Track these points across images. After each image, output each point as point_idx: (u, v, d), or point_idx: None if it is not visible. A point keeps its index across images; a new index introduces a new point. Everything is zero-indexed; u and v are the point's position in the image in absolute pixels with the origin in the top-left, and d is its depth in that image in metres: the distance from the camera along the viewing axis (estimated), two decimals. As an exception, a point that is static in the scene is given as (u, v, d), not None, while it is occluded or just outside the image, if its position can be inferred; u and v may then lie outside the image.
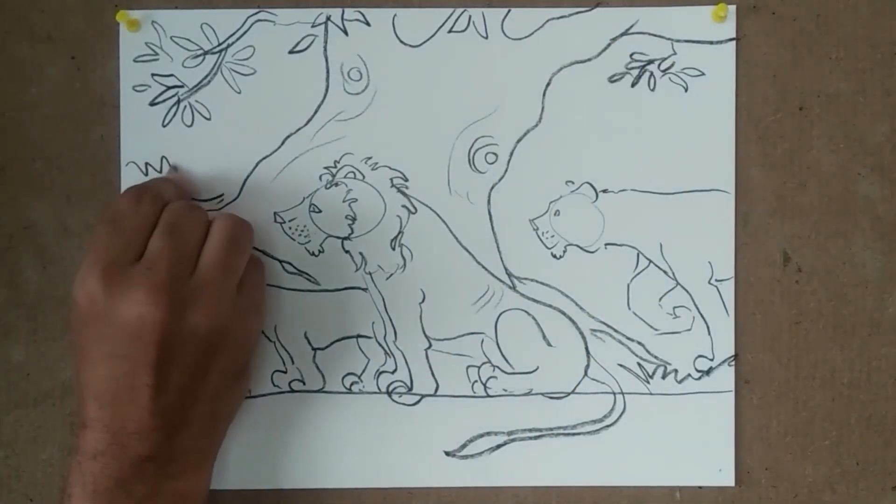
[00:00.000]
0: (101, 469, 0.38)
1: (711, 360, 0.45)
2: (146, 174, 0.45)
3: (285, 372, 0.45)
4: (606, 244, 0.45)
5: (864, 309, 0.46)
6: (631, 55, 0.45)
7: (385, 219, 0.45)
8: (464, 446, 0.45)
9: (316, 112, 0.45)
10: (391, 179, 0.45)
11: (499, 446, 0.45)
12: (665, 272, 0.45)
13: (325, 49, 0.45)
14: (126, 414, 0.38)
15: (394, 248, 0.45)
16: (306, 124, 0.45)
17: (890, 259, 0.46)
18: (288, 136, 0.45)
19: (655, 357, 0.45)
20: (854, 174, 0.45)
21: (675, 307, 0.45)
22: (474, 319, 0.45)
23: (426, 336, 0.45)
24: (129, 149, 0.45)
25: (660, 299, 0.45)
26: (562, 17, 0.45)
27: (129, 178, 0.45)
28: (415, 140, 0.45)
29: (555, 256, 0.45)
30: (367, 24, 0.45)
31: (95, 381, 0.38)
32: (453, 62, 0.45)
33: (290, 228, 0.45)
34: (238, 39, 0.45)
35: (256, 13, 0.45)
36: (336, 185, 0.45)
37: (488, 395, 0.45)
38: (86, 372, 0.39)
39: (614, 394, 0.45)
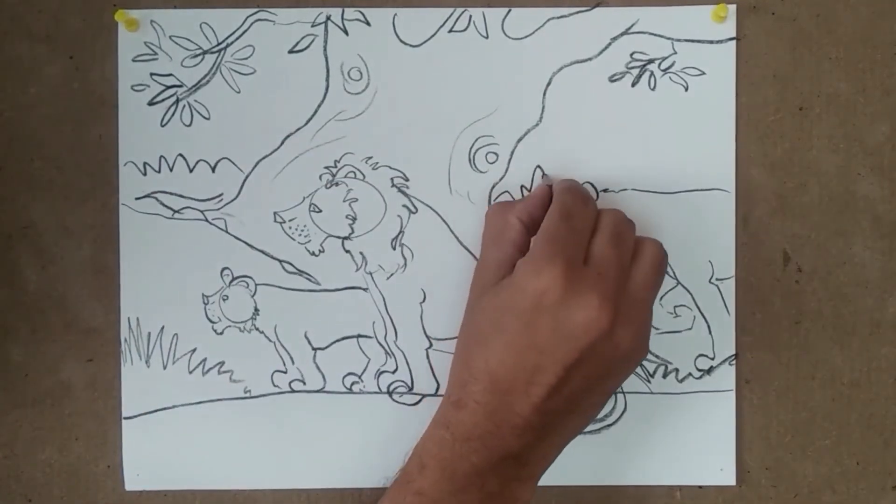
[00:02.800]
0: (468, 453, 0.38)
1: (712, 359, 0.45)
2: (145, 174, 0.45)
3: (285, 372, 0.45)
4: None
5: (864, 309, 0.46)
6: (631, 55, 0.45)
7: (385, 218, 0.45)
8: (464, 446, 0.45)
9: (316, 112, 0.45)
10: (392, 179, 0.45)
11: (499, 446, 0.45)
12: (666, 272, 0.45)
13: (325, 49, 0.45)
14: (515, 407, 0.38)
15: (394, 248, 0.45)
16: (306, 124, 0.45)
17: (890, 259, 0.46)
18: (288, 136, 0.45)
19: (656, 356, 0.45)
20: (854, 174, 0.46)
21: (675, 306, 0.45)
22: (475, 319, 0.45)
23: (427, 336, 0.45)
24: (128, 148, 0.45)
25: (660, 298, 0.45)
26: (562, 16, 0.45)
27: (128, 177, 0.45)
28: (415, 140, 0.45)
29: (555, 256, 0.45)
30: (367, 23, 0.45)
31: (497, 366, 0.38)
32: (453, 62, 0.45)
33: (290, 228, 0.45)
34: (237, 39, 0.45)
35: (256, 13, 0.45)
36: (336, 184, 0.45)
37: (489, 395, 0.45)
38: (489, 353, 0.38)
39: (615, 393, 0.45)
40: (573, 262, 0.38)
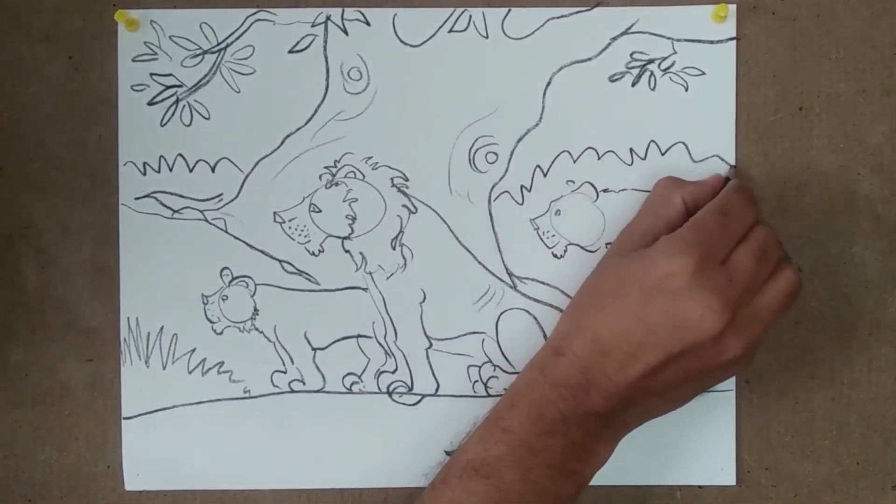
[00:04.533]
0: (557, 399, 0.39)
1: (712, 359, 0.45)
2: (144, 174, 0.45)
3: (285, 372, 0.45)
4: (607, 243, 0.45)
5: (864, 309, 0.46)
6: (631, 55, 0.45)
7: (385, 218, 0.45)
8: (464, 446, 0.45)
9: (316, 112, 0.45)
10: (391, 179, 0.45)
11: (499, 446, 0.45)
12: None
13: (325, 49, 0.45)
14: (609, 371, 0.39)
15: (394, 248, 0.45)
16: (306, 124, 0.45)
17: (890, 259, 0.46)
18: (288, 136, 0.45)
19: (656, 357, 0.45)
20: (854, 174, 0.46)
21: (675, 307, 0.45)
22: (475, 319, 0.45)
23: (427, 336, 0.45)
24: (128, 148, 0.45)
25: (660, 299, 0.45)
26: (562, 16, 0.45)
27: (128, 177, 0.45)
28: (415, 140, 0.45)
29: (555, 256, 0.45)
30: (367, 23, 0.45)
31: (604, 328, 0.39)
32: (453, 62, 0.45)
33: (290, 228, 0.45)
34: (237, 39, 0.45)
35: (256, 13, 0.45)
36: (336, 184, 0.45)
37: (489, 395, 0.45)
38: (601, 314, 0.40)
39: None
40: (711, 258, 0.39)
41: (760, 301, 0.40)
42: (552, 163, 0.45)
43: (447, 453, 0.45)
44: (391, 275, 0.45)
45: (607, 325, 0.39)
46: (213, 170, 0.45)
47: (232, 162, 0.45)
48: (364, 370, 0.45)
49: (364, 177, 0.45)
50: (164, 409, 0.45)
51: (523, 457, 0.39)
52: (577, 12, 0.45)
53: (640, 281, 0.39)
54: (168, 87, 0.45)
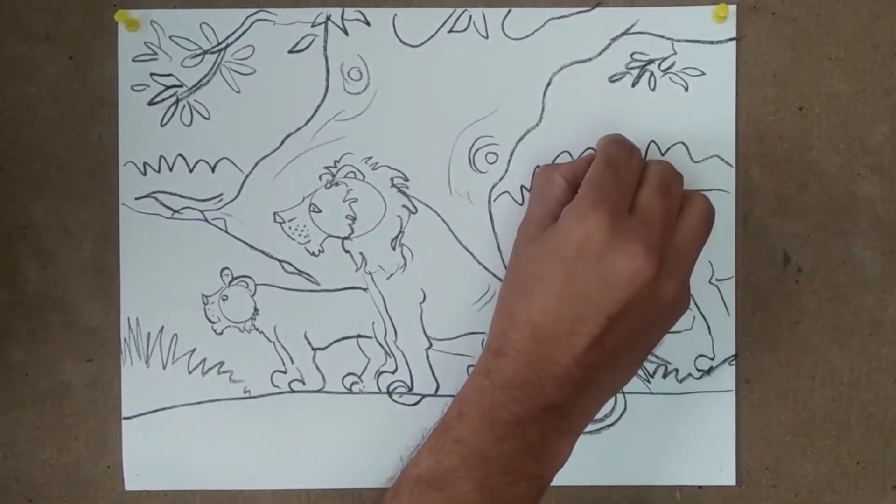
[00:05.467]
0: (508, 402, 0.38)
1: (712, 359, 0.45)
2: (144, 174, 0.45)
3: (285, 372, 0.45)
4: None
5: (864, 309, 0.46)
6: (631, 55, 0.45)
7: (385, 218, 0.45)
8: (464, 446, 0.45)
9: (316, 112, 0.45)
10: (391, 179, 0.45)
11: (499, 446, 0.45)
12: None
13: (325, 49, 0.45)
14: (555, 356, 0.37)
15: (394, 248, 0.45)
16: (306, 124, 0.45)
17: (890, 259, 0.46)
18: (288, 136, 0.45)
19: (656, 356, 0.45)
20: (854, 174, 0.46)
21: (675, 307, 0.45)
22: (475, 319, 0.45)
23: (427, 336, 0.45)
24: (128, 148, 0.45)
25: (660, 299, 0.45)
26: (562, 16, 0.45)
27: (128, 177, 0.45)
28: (415, 140, 0.45)
29: (555, 256, 0.45)
30: (367, 23, 0.45)
31: (539, 314, 0.38)
32: (453, 62, 0.45)
33: (289, 228, 0.45)
34: (237, 39, 0.45)
35: (256, 13, 0.45)
36: (336, 184, 0.45)
37: (489, 396, 0.45)
38: (531, 302, 0.38)
39: (618, 393, 0.45)
40: (618, 209, 0.38)
41: (679, 236, 0.39)
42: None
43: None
44: (391, 275, 0.45)
45: (541, 311, 0.38)
46: (213, 170, 0.45)
47: (232, 162, 0.45)
48: (364, 370, 0.45)
49: (364, 177, 0.45)
50: (164, 409, 0.45)
51: (478, 465, 0.37)
52: (577, 12, 0.45)
53: (559, 256, 0.38)
54: (168, 87, 0.45)
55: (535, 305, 0.38)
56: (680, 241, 0.39)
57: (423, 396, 0.45)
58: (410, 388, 0.45)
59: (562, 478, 0.45)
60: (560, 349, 0.37)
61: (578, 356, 0.37)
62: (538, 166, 0.45)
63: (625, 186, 0.39)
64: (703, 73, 0.45)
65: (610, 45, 0.45)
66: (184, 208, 0.45)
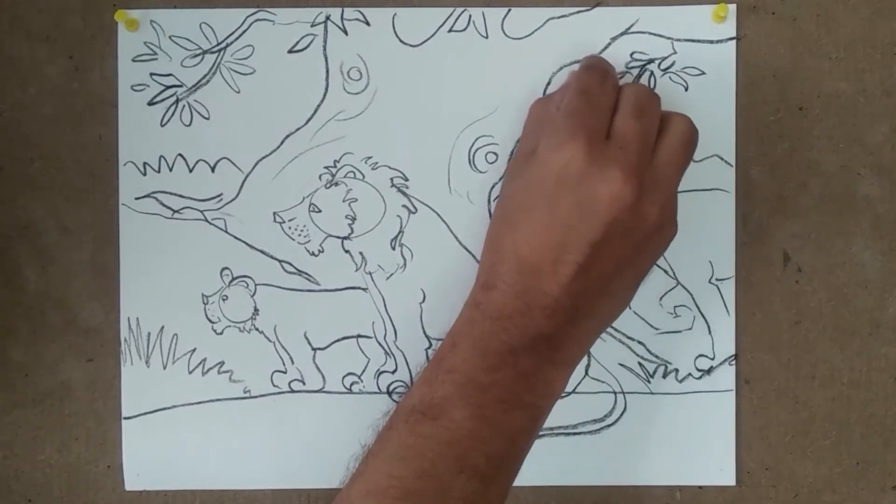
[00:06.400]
0: (499, 332, 0.38)
1: (712, 359, 0.45)
2: (144, 174, 0.45)
3: (285, 372, 0.45)
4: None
5: (864, 309, 0.46)
6: (631, 55, 0.45)
7: (385, 218, 0.45)
8: (464, 446, 0.45)
9: (315, 111, 0.45)
10: (391, 179, 0.45)
11: (499, 446, 0.45)
12: (665, 271, 0.45)
13: (325, 48, 0.45)
14: (543, 286, 0.37)
15: (394, 248, 0.45)
16: (306, 124, 0.45)
17: (890, 259, 0.46)
18: (287, 136, 0.45)
19: (656, 356, 0.45)
20: (854, 174, 0.46)
21: (675, 306, 0.45)
22: (475, 319, 0.45)
23: (426, 336, 0.45)
24: (128, 148, 0.45)
25: (660, 298, 0.45)
26: (562, 16, 0.45)
27: (128, 177, 0.45)
28: (415, 140, 0.45)
29: (555, 256, 0.45)
30: (367, 23, 0.45)
31: (524, 245, 0.38)
32: (453, 62, 0.45)
33: (289, 228, 0.45)
34: (237, 39, 0.45)
35: (255, 12, 0.45)
36: (336, 184, 0.45)
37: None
38: (517, 234, 0.38)
39: (615, 393, 0.45)
40: (594, 135, 0.38)
41: (659, 157, 0.39)
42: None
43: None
44: (391, 275, 0.45)
45: (526, 242, 0.38)
46: (212, 170, 0.45)
47: (232, 162, 0.45)
48: (364, 370, 0.45)
49: (364, 177, 0.45)
50: (164, 409, 0.45)
51: (472, 394, 0.37)
52: (577, 12, 0.45)
53: (539, 186, 0.38)
54: (168, 87, 0.45)
55: (520, 237, 0.38)
56: (660, 162, 0.39)
57: (423, 396, 0.45)
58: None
59: (562, 478, 0.45)
60: (547, 279, 0.37)
61: (565, 285, 0.37)
62: (532, 103, 0.44)
63: (600, 112, 0.39)
64: (703, 73, 0.45)
65: (610, 44, 0.45)
66: (184, 208, 0.45)
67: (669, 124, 0.40)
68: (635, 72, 0.45)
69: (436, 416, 0.37)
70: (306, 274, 0.45)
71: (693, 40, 0.45)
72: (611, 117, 0.39)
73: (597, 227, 0.37)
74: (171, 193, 0.45)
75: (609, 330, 0.45)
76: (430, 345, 0.45)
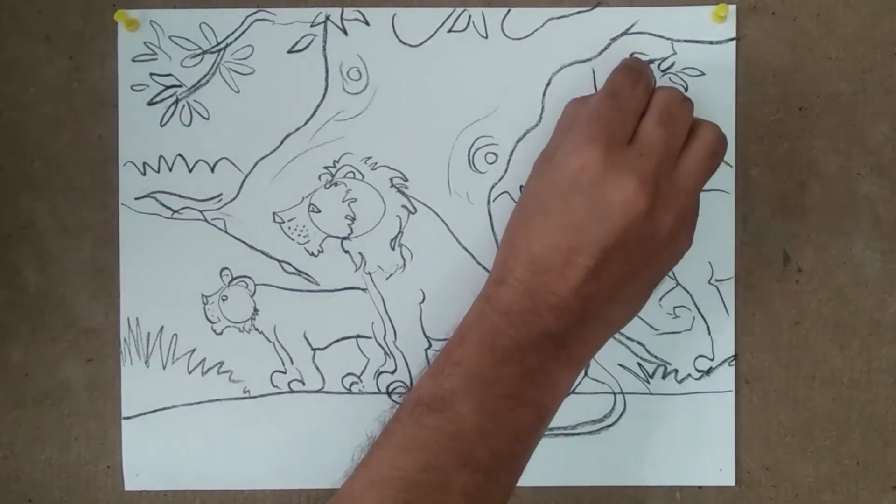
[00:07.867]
0: (507, 327, 0.38)
1: (711, 360, 0.45)
2: (144, 174, 0.45)
3: (285, 372, 0.45)
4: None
5: (864, 309, 0.46)
6: (631, 55, 0.45)
7: (385, 219, 0.45)
8: (464, 446, 0.45)
9: (315, 112, 0.45)
10: (391, 179, 0.45)
11: (499, 446, 0.45)
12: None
13: (325, 48, 0.45)
14: (553, 286, 0.37)
15: (393, 248, 0.45)
16: (305, 124, 0.45)
17: (890, 259, 0.46)
18: (287, 136, 0.45)
19: (655, 357, 0.45)
20: (854, 174, 0.45)
21: (675, 307, 0.45)
22: (474, 320, 0.45)
23: (426, 336, 0.45)
24: (128, 148, 0.45)
25: (660, 299, 0.45)
26: (562, 16, 0.45)
27: (128, 177, 0.45)
28: (414, 140, 0.45)
29: (555, 256, 0.45)
30: (367, 23, 0.45)
31: (536, 244, 0.38)
32: (453, 62, 0.45)
33: (289, 228, 0.45)
34: (237, 39, 0.45)
35: (255, 13, 0.45)
36: (335, 184, 0.45)
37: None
38: (530, 232, 0.38)
39: (614, 394, 0.45)
40: (615, 141, 0.38)
41: (683, 167, 0.38)
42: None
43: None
44: (390, 275, 0.45)
45: (539, 242, 0.38)
46: (212, 170, 0.45)
47: (231, 162, 0.45)
48: (363, 370, 0.45)
49: (363, 177, 0.45)
50: (164, 409, 0.45)
51: (478, 388, 0.37)
52: (577, 12, 0.45)
53: (556, 187, 0.38)
54: (168, 87, 0.45)
55: (534, 236, 0.38)
56: (682, 172, 0.38)
57: (423, 396, 0.45)
58: (410, 389, 0.45)
59: (562, 478, 0.45)
60: (557, 280, 0.37)
61: (574, 287, 0.37)
62: (568, 103, 0.44)
63: (625, 116, 0.39)
64: (703, 73, 0.45)
65: (610, 45, 0.45)
66: (183, 208, 0.45)
67: (697, 133, 0.39)
68: (635, 72, 0.45)
69: (440, 409, 0.37)
70: (306, 274, 0.45)
71: (693, 41, 0.45)
72: (638, 121, 0.39)
73: (609, 233, 0.37)
74: (170, 193, 0.45)
75: (609, 330, 0.45)
76: (430, 345, 0.45)
